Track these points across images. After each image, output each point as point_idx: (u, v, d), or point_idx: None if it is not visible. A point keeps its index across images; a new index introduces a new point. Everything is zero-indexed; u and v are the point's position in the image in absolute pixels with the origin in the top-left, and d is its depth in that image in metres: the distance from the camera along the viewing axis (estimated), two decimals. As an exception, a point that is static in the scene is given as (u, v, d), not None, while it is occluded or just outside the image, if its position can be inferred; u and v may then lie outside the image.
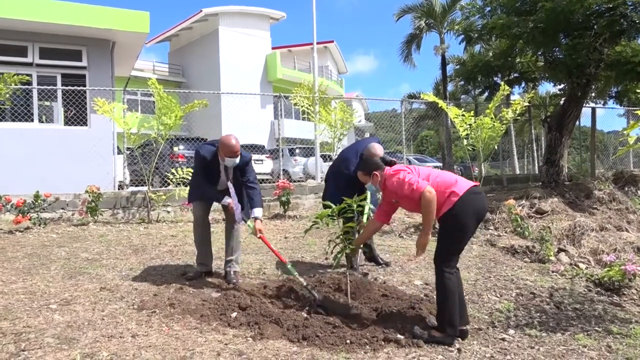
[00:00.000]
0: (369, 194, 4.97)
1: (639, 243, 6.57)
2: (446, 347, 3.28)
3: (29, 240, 6.05)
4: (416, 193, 3.31)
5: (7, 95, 6.95)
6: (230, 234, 4.66)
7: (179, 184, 8.22)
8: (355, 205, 3.79)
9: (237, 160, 4.33)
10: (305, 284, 4.12)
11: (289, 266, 4.20)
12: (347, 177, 4.83)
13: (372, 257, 5.33)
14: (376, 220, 3.83)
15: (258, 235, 4.31)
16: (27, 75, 7.75)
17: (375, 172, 3.63)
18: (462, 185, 3.42)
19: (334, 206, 3.82)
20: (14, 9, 9.04)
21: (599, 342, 3.44)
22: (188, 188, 4.97)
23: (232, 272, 4.58)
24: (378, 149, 4.82)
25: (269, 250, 5.85)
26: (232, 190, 4.42)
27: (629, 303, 4.39)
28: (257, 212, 4.44)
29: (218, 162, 4.44)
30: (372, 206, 4.74)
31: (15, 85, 7.03)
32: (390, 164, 3.69)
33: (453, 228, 3.37)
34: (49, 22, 9.35)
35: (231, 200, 4.39)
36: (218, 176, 4.51)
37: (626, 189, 9.27)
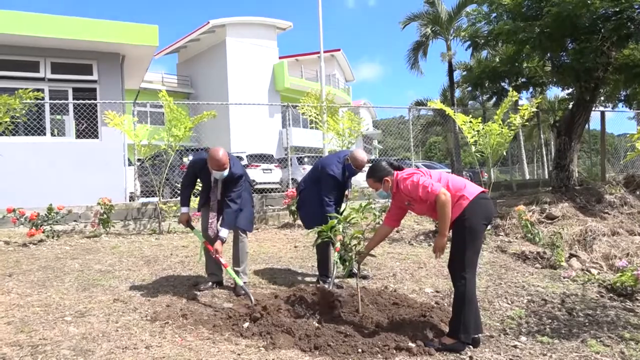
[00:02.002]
0: (347, 193, 5.01)
1: (651, 247, 6.51)
2: (458, 354, 3.29)
3: (43, 253, 6.14)
4: (431, 195, 3.34)
5: (23, 111, 7.07)
6: (236, 245, 4.69)
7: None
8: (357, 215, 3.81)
9: (225, 173, 4.35)
10: (242, 284, 4.40)
11: (229, 269, 4.43)
12: (331, 178, 4.79)
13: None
14: (385, 224, 3.83)
15: (214, 255, 4.36)
16: (40, 89, 7.89)
17: (386, 178, 3.64)
18: (471, 190, 3.46)
19: (340, 217, 3.85)
20: (26, 26, 9.23)
21: (612, 348, 3.42)
22: (198, 198, 5.03)
23: (241, 291, 4.53)
24: (361, 153, 4.80)
25: (279, 260, 5.93)
26: (213, 209, 4.55)
27: (642, 308, 4.36)
28: (223, 232, 4.37)
29: (209, 173, 4.46)
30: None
31: (30, 100, 7.16)
32: (399, 168, 3.71)
33: (464, 232, 3.39)
34: (61, 38, 9.52)
35: (183, 214, 4.69)
36: (209, 187, 4.57)
37: (638, 192, 9.20)
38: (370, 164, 3.94)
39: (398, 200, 3.67)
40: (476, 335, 3.45)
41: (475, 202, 3.40)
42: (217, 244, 4.33)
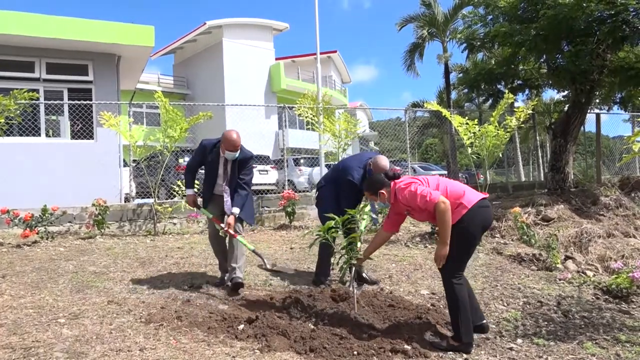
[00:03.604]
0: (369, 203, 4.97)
1: (646, 249, 6.52)
2: (455, 356, 3.28)
3: (37, 254, 6.09)
4: (430, 204, 3.34)
5: (18, 112, 7.02)
6: (233, 243, 4.71)
7: (184, 196, 8.25)
8: (358, 216, 3.80)
9: (237, 154, 4.52)
10: (253, 248, 4.82)
11: (240, 238, 4.63)
12: (350, 184, 4.74)
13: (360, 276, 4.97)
14: (384, 230, 3.85)
15: (225, 228, 4.56)
16: (35, 90, 7.84)
17: (382, 191, 3.65)
18: (471, 197, 3.46)
19: (337, 218, 3.84)
20: (22, 26, 9.17)
21: (608, 350, 3.42)
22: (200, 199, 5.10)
23: (238, 279, 4.61)
24: (385, 161, 4.70)
25: (275, 262, 5.91)
26: (226, 190, 4.68)
27: (637, 310, 4.36)
28: (235, 209, 4.62)
29: (218, 155, 4.62)
30: (373, 215, 4.74)
31: (25, 101, 7.12)
32: (395, 177, 3.71)
33: (460, 239, 3.39)
34: (56, 38, 9.47)
35: (190, 195, 4.85)
36: (216, 170, 4.70)
37: (633, 194, 9.22)
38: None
39: (398, 208, 3.67)
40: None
41: (474, 211, 3.41)
42: (230, 219, 4.55)
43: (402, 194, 3.51)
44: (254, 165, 4.94)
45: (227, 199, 4.68)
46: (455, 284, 3.41)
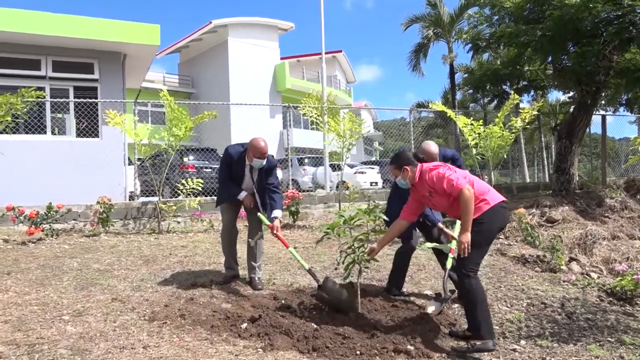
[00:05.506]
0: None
1: (651, 252, 6.49)
2: (459, 358, 3.28)
3: (42, 252, 6.12)
4: (455, 190, 3.37)
5: (25, 110, 7.06)
6: (256, 239, 4.84)
7: (189, 194, 8.28)
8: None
9: (264, 162, 4.60)
10: (307, 267, 4.49)
11: (291, 250, 4.57)
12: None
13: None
14: (402, 219, 3.80)
15: (274, 232, 4.56)
16: (41, 88, 7.87)
17: (407, 167, 3.64)
18: (494, 196, 3.50)
19: (345, 218, 3.85)
20: (28, 24, 9.22)
21: (612, 352, 3.41)
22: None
23: (256, 278, 4.80)
24: (432, 146, 4.71)
25: (278, 261, 5.92)
26: (255, 192, 4.76)
27: (642, 313, 4.34)
28: (277, 212, 4.67)
29: (244, 163, 4.69)
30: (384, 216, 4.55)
31: (33, 99, 7.16)
32: (424, 161, 3.72)
33: (478, 235, 3.40)
34: (62, 36, 9.52)
35: (247, 196, 4.72)
36: (242, 177, 4.77)
37: (638, 196, 9.18)
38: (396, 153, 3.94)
39: (418, 192, 3.68)
40: None
41: (496, 209, 3.44)
42: (276, 222, 4.60)
43: (429, 175, 3.53)
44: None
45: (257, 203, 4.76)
46: (471, 279, 3.39)
